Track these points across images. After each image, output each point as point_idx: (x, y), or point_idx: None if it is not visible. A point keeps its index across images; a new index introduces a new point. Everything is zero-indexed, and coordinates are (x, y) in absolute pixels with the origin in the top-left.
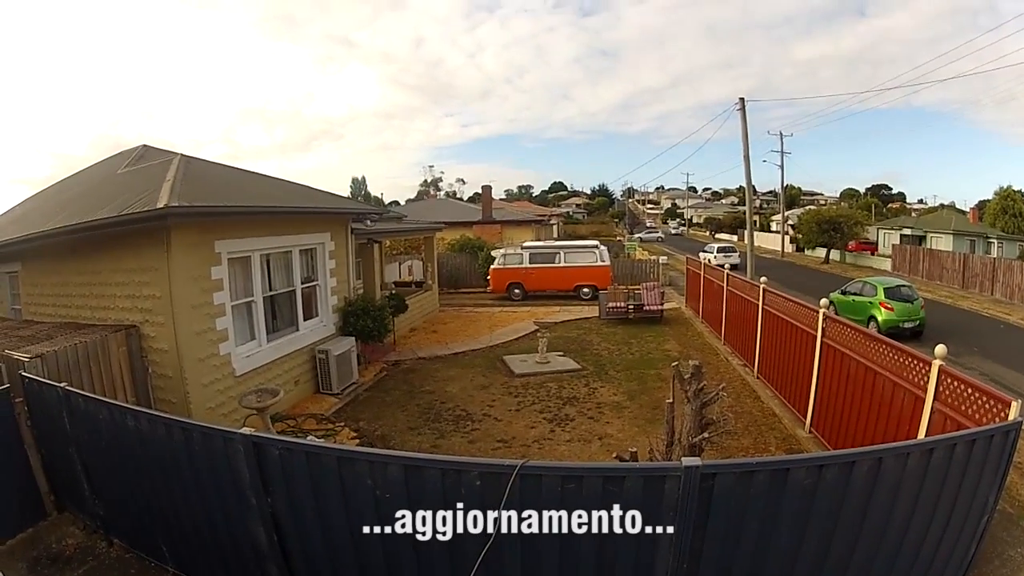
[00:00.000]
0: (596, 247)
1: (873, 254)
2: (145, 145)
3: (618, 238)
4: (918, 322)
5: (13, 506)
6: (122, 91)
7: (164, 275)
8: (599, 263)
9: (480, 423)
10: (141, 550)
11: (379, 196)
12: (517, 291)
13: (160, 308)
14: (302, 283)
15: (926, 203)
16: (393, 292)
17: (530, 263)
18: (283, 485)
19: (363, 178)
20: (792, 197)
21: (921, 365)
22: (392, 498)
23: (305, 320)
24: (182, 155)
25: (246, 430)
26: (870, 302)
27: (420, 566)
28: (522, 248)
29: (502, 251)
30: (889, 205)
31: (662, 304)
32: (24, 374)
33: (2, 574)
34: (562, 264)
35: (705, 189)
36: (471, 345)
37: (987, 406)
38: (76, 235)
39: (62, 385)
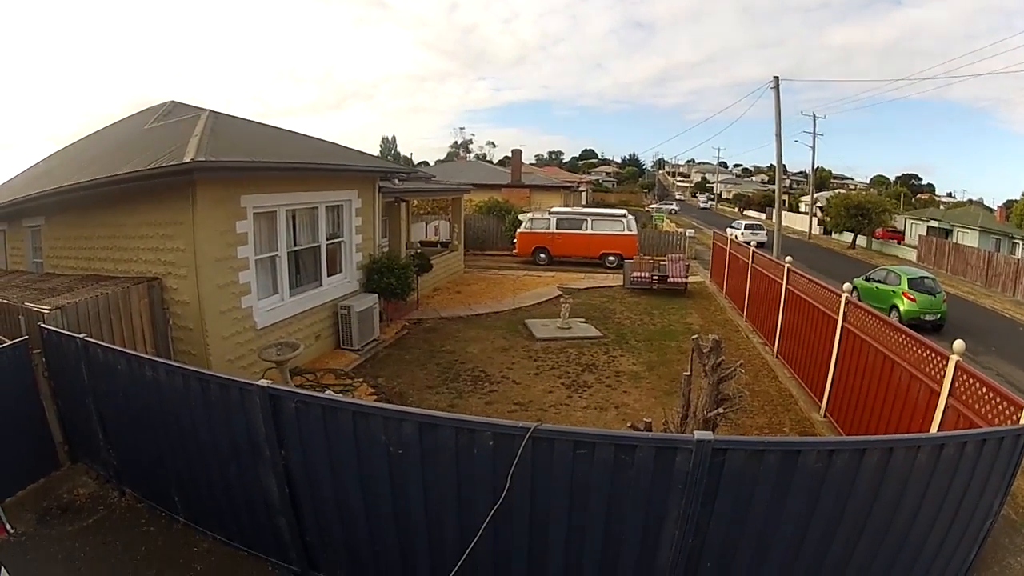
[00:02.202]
0: (624, 216)
1: (899, 243)
2: (173, 101)
3: (646, 209)
4: (939, 316)
5: (27, 457)
6: (154, 50)
7: (189, 228)
8: (626, 232)
9: (498, 385)
10: (153, 500)
11: (408, 156)
12: (543, 256)
13: (183, 261)
14: (327, 239)
15: (954, 197)
16: (418, 251)
17: (557, 228)
18: (298, 438)
19: (393, 138)
20: (822, 180)
21: (939, 359)
22: (405, 455)
23: (329, 276)
24: (210, 111)
25: (263, 382)
26: (893, 291)
27: (429, 524)
28: (550, 213)
29: (530, 215)
30: (918, 196)
31: (687, 277)
32: (43, 326)
33: (9, 526)
34: (589, 231)
35: (736, 165)
36: (494, 307)
37: (1000, 407)
38: (102, 189)
39: (81, 336)
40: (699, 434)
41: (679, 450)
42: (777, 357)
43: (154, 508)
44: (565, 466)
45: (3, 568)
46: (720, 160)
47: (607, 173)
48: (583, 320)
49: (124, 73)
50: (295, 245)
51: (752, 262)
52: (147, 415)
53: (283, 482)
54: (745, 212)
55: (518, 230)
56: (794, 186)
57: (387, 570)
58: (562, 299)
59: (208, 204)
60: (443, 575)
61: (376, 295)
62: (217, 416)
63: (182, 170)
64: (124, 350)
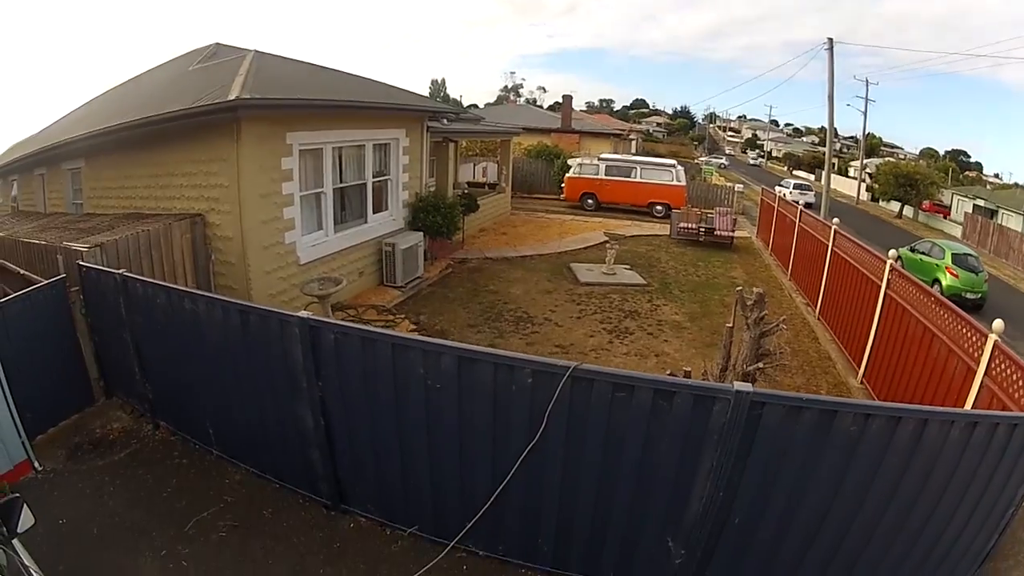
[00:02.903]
0: (673, 166)
1: (946, 218)
2: (217, 43)
3: (696, 161)
4: (980, 295)
5: (61, 394)
6: None
7: (233, 165)
8: (675, 183)
9: (540, 327)
10: (187, 433)
11: (457, 99)
12: (590, 201)
13: (227, 197)
14: (374, 177)
15: (1001, 178)
16: (465, 192)
17: (606, 175)
18: (335, 370)
19: (442, 80)
20: (872, 147)
21: (978, 336)
22: (443, 389)
23: (374, 213)
24: (255, 51)
25: (303, 313)
26: (937, 264)
27: (463, 461)
28: (599, 159)
29: (578, 160)
30: (965, 172)
31: (733, 231)
32: (81, 263)
33: (37, 463)
34: (638, 179)
35: (787, 124)
36: (539, 250)
37: None
38: (145, 129)
39: (120, 271)
40: (739, 385)
41: (717, 400)
42: (818, 318)
43: (188, 441)
44: (603, 408)
45: (24, 505)
46: (771, 118)
47: (657, 124)
48: (628, 267)
49: (169, 17)
50: (341, 182)
51: (799, 221)
52: (184, 348)
53: (318, 414)
54: (794, 172)
55: (566, 175)
56: (844, 150)
57: (417, 506)
58: (608, 245)
59: (253, 141)
60: (473, 512)
61: (421, 233)
62: (256, 348)
63: (227, 108)
64: (163, 283)
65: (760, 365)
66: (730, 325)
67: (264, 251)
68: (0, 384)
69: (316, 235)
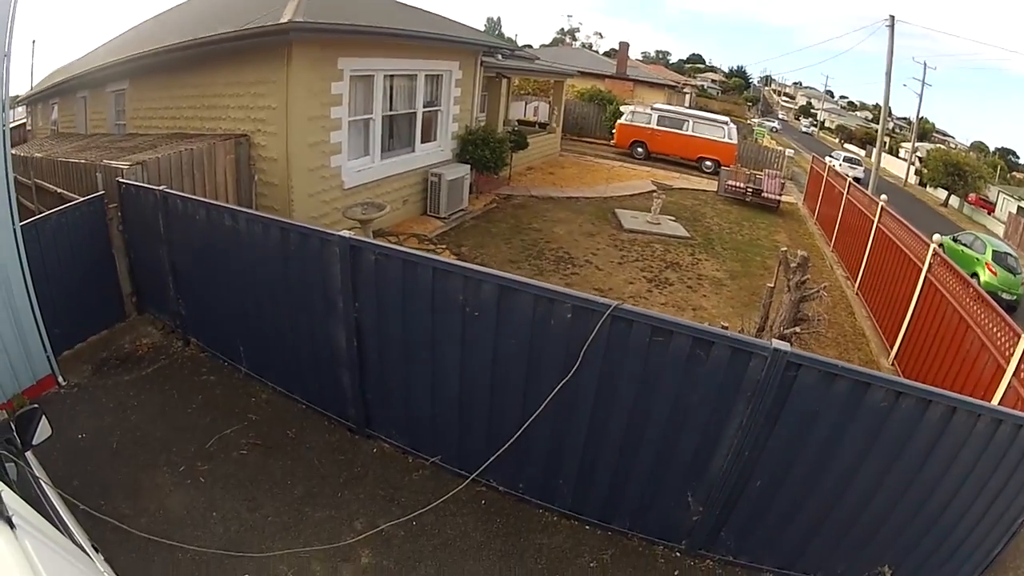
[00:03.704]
0: (726, 123)
1: (990, 214)
2: None
3: (748, 122)
4: (1016, 297)
5: (93, 308)
6: None
7: (282, 87)
8: (726, 140)
9: (581, 269)
10: (217, 350)
11: (513, 37)
12: (640, 150)
13: (274, 119)
14: (424, 107)
15: None
16: (515, 129)
17: (657, 125)
18: (373, 291)
19: (498, 19)
20: (924, 131)
21: (1012, 335)
22: (481, 317)
23: (422, 143)
24: None
25: (345, 233)
26: (977, 258)
27: (494, 391)
28: (652, 109)
29: (631, 108)
30: (1013, 172)
31: (780, 195)
32: (121, 180)
33: (61, 378)
34: (689, 133)
35: (842, 97)
36: (585, 192)
37: None
38: (194, 51)
39: (161, 188)
40: (777, 343)
41: (754, 355)
42: (857, 293)
43: (217, 358)
44: (639, 351)
45: (43, 417)
46: (827, 88)
47: (712, 80)
48: (673, 218)
49: None
50: (390, 110)
51: (848, 193)
52: (221, 265)
53: (352, 336)
54: (845, 145)
55: (618, 121)
56: (896, 131)
57: (443, 434)
58: (655, 194)
59: (303, 65)
60: (498, 445)
61: (468, 166)
62: (294, 266)
63: (278, 31)
64: (204, 199)
65: (797, 330)
66: (771, 285)
67: (309, 173)
68: (28, 299)
69: (362, 161)
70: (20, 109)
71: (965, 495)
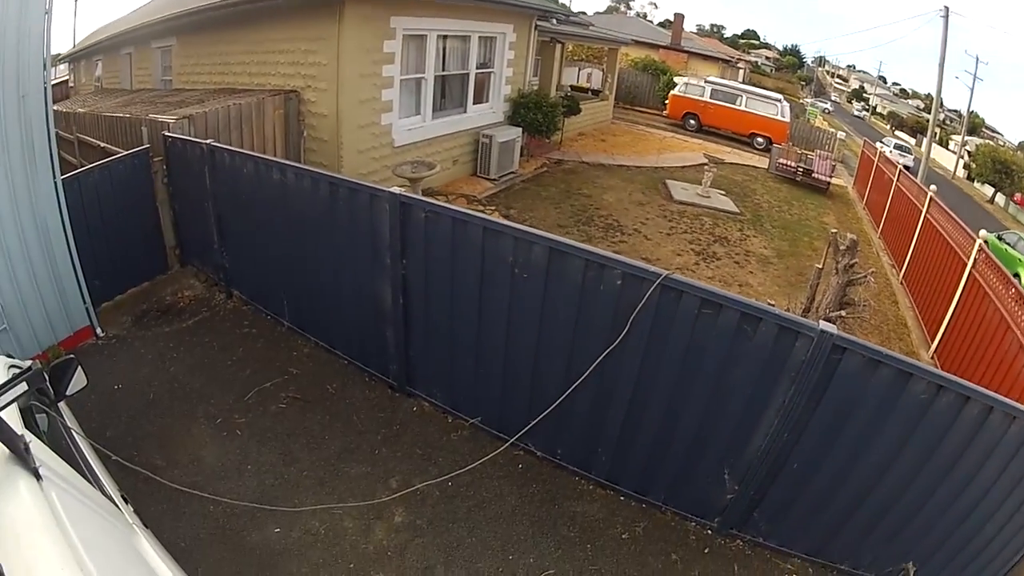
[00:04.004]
0: (779, 101)
1: None
2: None
3: (801, 101)
4: None
5: (136, 260)
6: None
7: (333, 44)
8: (779, 117)
9: (629, 237)
10: (260, 303)
11: (567, 3)
12: (692, 122)
13: (325, 75)
14: (477, 68)
15: None
16: (568, 95)
17: (710, 98)
18: (421, 249)
19: None
20: (974, 125)
21: None
22: (529, 279)
23: (474, 104)
24: None
25: (395, 189)
26: (1020, 259)
27: (538, 355)
28: (706, 81)
29: (685, 80)
30: None
31: (831, 177)
32: (167, 134)
33: (100, 329)
34: (742, 108)
35: (894, 84)
36: (636, 161)
37: None
38: (246, 6)
39: (208, 141)
40: (824, 324)
41: (801, 335)
42: (901, 282)
43: (260, 311)
44: (687, 322)
45: (79, 368)
46: (880, 74)
47: (766, 57)
48: (723, 192)
49: None
50: (443, 70)
51: (897, 180)
52: (267, 219)
53: (399, 292)
54: (896, 132)
55: (671, 92)
56: (946, 122)
57: (485, 396)
58: (706, 167)
59: (356, 22)
60: (540, 409)
61: (520, 129)
62: (342, 221)
63: None
64: (252, 153)
65: (842, 313)
66: (820, 267)
67: (359, 130)
68: (68, 251)
69: (413, 119)
70: (62, 67)
71: (992, 499)
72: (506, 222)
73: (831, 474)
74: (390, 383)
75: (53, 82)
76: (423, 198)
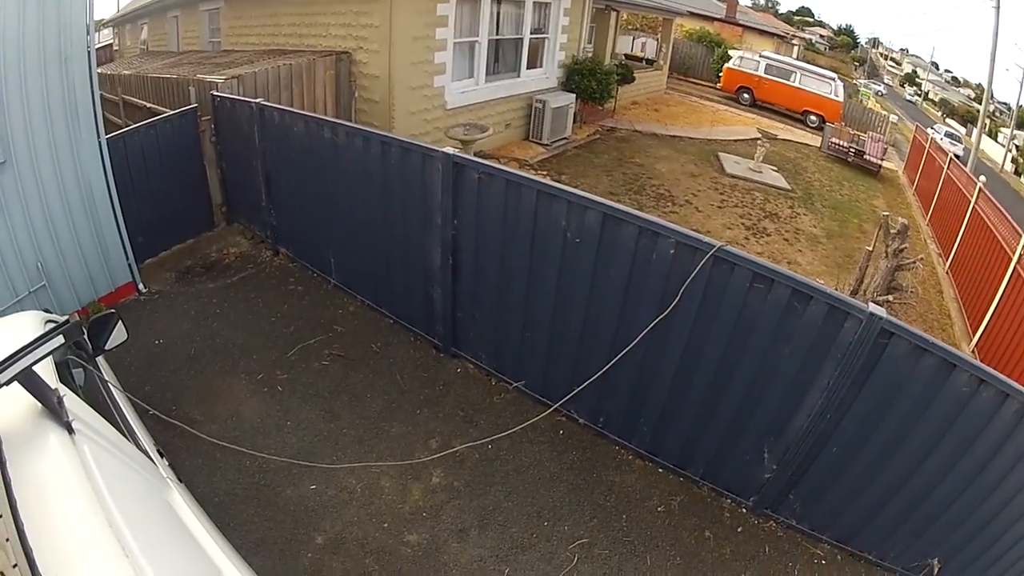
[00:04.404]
0: (833, 79)
1: None
2: None
3: (854, 82)
4: None
5: (183, 217)
6: None
7: (386, 6)
8: (832, 96)
9: (680, 208)
10: (307, 261)
11: None
12: (746, 96)
13: (377, 37)
14: (531, 33)
15: None
16: (622, 63)
17: (764, 73)
18: (473, 210)
19: None
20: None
21: None
22: (582, 244)
23: (528, 69)
24: None
25: (448, 149)
26: None
27: (586, 322)
28: (760, 56)
29: (740, 53)
30: None
31: (882, 160)
32: (215, 94)
33: (142, 285)
34: (796, 84)
35: (946, 70)
36: (689, 133)
37: None
38: None
39: (257, 100)
40: (873, 307)
41: (850, 316)
42: (947, 272)
43: (306, 268)
44: (738, 295)
45: (120, 322)
46: (932, 60)
47: (820, 36)
48: (775, 168)
49: None
50: (497, 34)
51: (948, 168)
52: (317, 177)
53: (448, 253)
54: (947, 120)
55: (726, 65)
56: (996, 114)
57: (530, 360)
58: (759, 142)
59: None
60: (585, 376)
61: (573, 96)
62: (393, 181)
63: None
64: (303, 112)
65: (890, 298)
66: (869, 249)
67: (411, 92)
68: (111, 208)
69: (466, 82)
70: (106, 31)
71: (1018, 506)
72: (560, 186)
73: (868, 461)
74: (435, 343)
75: (97, 46)
76: (477, 159)
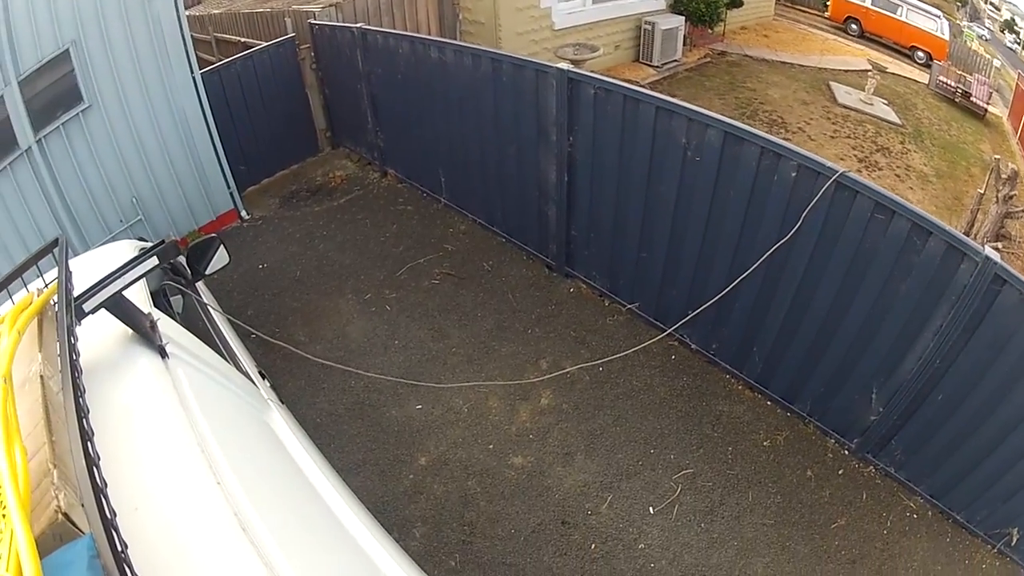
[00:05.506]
0: (939, 17)
1: None
2: None
3: (958, 23)
4: None
5: (285, 144)
6: None
7: None
8: (939, 34)
9: (793, 136)
10: (416, 181)
11: None
12: (854, 27)
13: None
14: None
15: None
16: None
17: (872, 5)
18: (590, 126)
19: None
20: None
21: None
22: (701, 163)
23: None
24: None
25: (563, 65)
26: None
27: (704, 243)
28: None
29: None
30: None
31: (988, 103)
32: (313, 22)
33: (244, 212)
34: (903, 19)
35: None
36: (799, 60)
37: None
38: None
39: (358, 25)
40: (989, 251)
41: (967, 258)
42: None
43: (416, 188)
44: (857, 225)
45: (221, 246)
46: None
47: None
48: (885, 101)
49: None
50: None
51: None
52: (426, 98)
53: (563, 170)
54: None
55: None
56: None
57: (644, 282)
58: (870, 74)
59: None
60: (700, 300)
61: (682, 18)
62: (505, 98)
63: None
64: (407, 33)
65: (998, 245)
66: (981, 192)
67: (517, 12)
68: (210, 140)
69: (573, 3)
70: None
71: None
72: (680, 102)
73: (970, 414)
74: (548, 263)
75: None
76: (593, 75)
